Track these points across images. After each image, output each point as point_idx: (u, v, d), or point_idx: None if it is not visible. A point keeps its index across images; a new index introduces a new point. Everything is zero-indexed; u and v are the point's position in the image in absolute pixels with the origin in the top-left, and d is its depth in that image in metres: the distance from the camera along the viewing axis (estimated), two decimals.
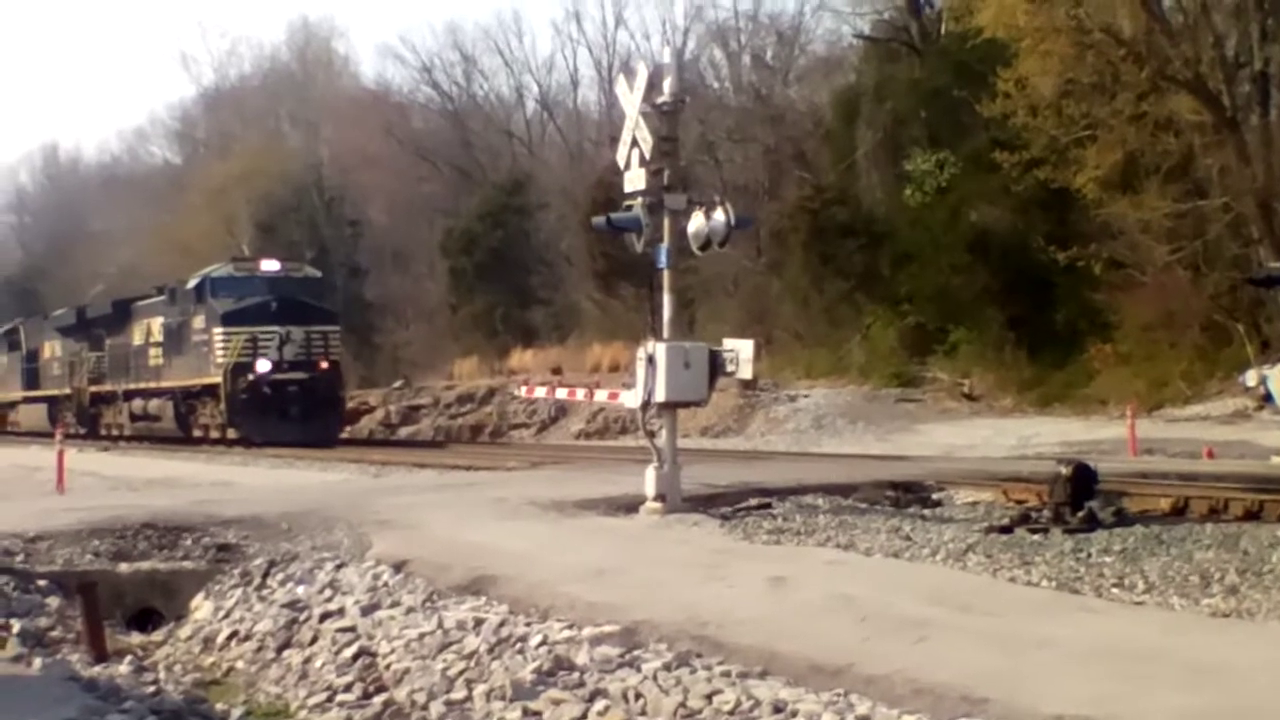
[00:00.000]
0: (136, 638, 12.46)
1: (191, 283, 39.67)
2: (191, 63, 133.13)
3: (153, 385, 41.51)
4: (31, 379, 52.58)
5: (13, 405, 54.39)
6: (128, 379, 43.42)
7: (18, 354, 54.45)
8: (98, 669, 10.38)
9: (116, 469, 28.35)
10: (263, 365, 35.96)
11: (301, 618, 11.71)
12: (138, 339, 42.91)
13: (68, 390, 48.34)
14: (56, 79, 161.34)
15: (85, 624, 11.85)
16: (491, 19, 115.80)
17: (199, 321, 38.04)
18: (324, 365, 37.22)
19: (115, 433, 44.36)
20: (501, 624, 10.07)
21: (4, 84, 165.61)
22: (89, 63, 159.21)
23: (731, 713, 7.57)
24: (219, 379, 36.45)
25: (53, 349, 50.98)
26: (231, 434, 36.28)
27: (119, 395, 43.95)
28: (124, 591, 13.06)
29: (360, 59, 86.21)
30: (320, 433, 35.04)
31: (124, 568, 13.50)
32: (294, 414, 35.63)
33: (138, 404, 42.58)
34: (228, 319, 36.70)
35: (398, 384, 53.44)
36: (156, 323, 41.23)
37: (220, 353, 36.40)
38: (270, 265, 39.93)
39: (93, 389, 46.25)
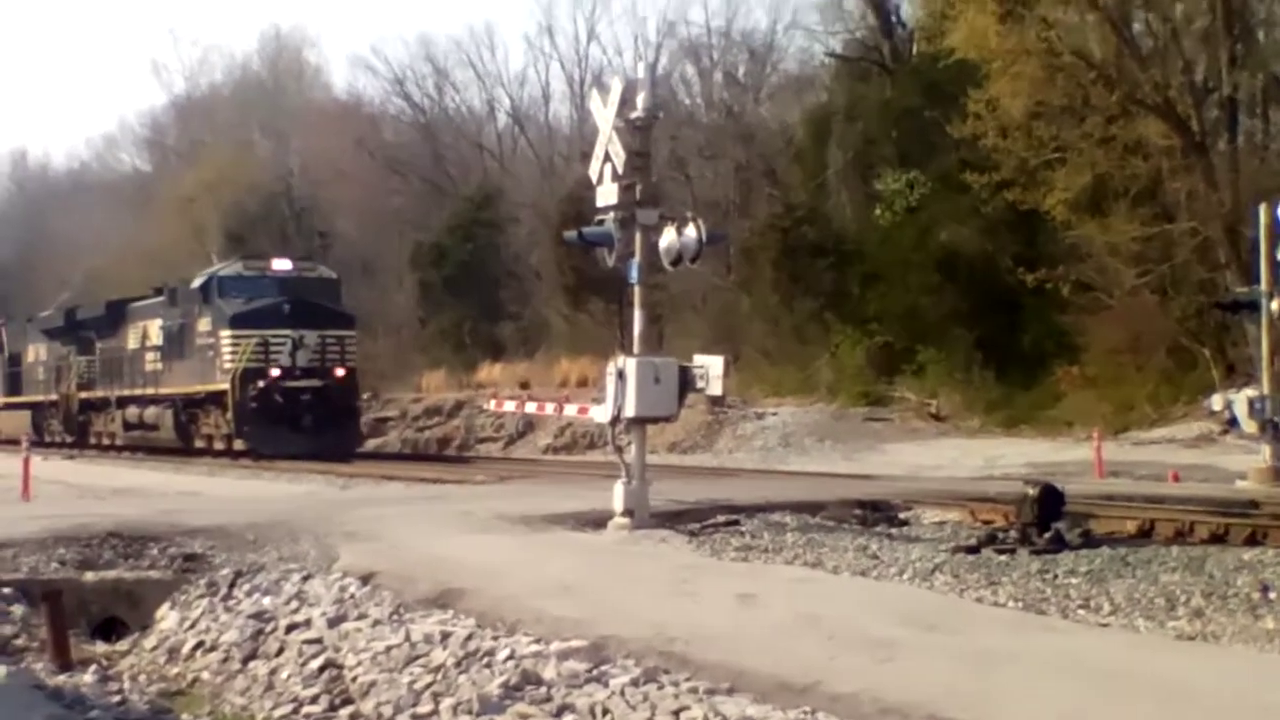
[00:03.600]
0: (101, 647, 12.40)
1: (196, 282, 37.78)
2: (163, 70, 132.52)
3: (150, 392, 39.85)
4: (13, 384, 51.42)
5: None
6: (121, 385, 41.79)
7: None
8: (63, 678, 10.34)
9: (83, 477, 28.20)
10: (274, 371, 34.39)
11: (268, 629, 11.67)
12: (133, 342, 41.39)
13: (54, 396, 47.23)
14: (25, 85, 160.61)
15: (50, 632, 11.79)
16: (464, 32, 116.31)
17: (204, 324, 36.43)
18: (340, 372, 35.62)
19: (107, 441, 42.80)
20: (469, 637, 10.05)
21: None
22: (59, 69, 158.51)
23: None
24: (226, 385, 34.72)
25: (37, 352, 49.65)
26: (238, 445, 34.55)
27: (111, 402, 42.40)
28: (89, 600, 13.00)
29: (332, 69, 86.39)
30: (335, 444, 33.61)
31: (89, 576, 13.44)
32: (307, 424, 34.05)
33: (132, 412, 40.89)
34: (237, 321, 35.10)
35: (365, 396, 53.05)
36: (154, 325, 39.70)
37: (228, 357, 34.78)
38: (283, 264, 38.24)
39: (82, 395, 44.89)
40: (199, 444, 37.16)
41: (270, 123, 78.69)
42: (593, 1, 75.76)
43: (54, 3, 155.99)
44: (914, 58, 44.44)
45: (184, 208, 71.60)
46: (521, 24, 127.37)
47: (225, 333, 35.02)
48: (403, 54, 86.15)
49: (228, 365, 34.70)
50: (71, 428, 45.45)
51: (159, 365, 39.23)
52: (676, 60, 61.35)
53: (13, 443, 36.24)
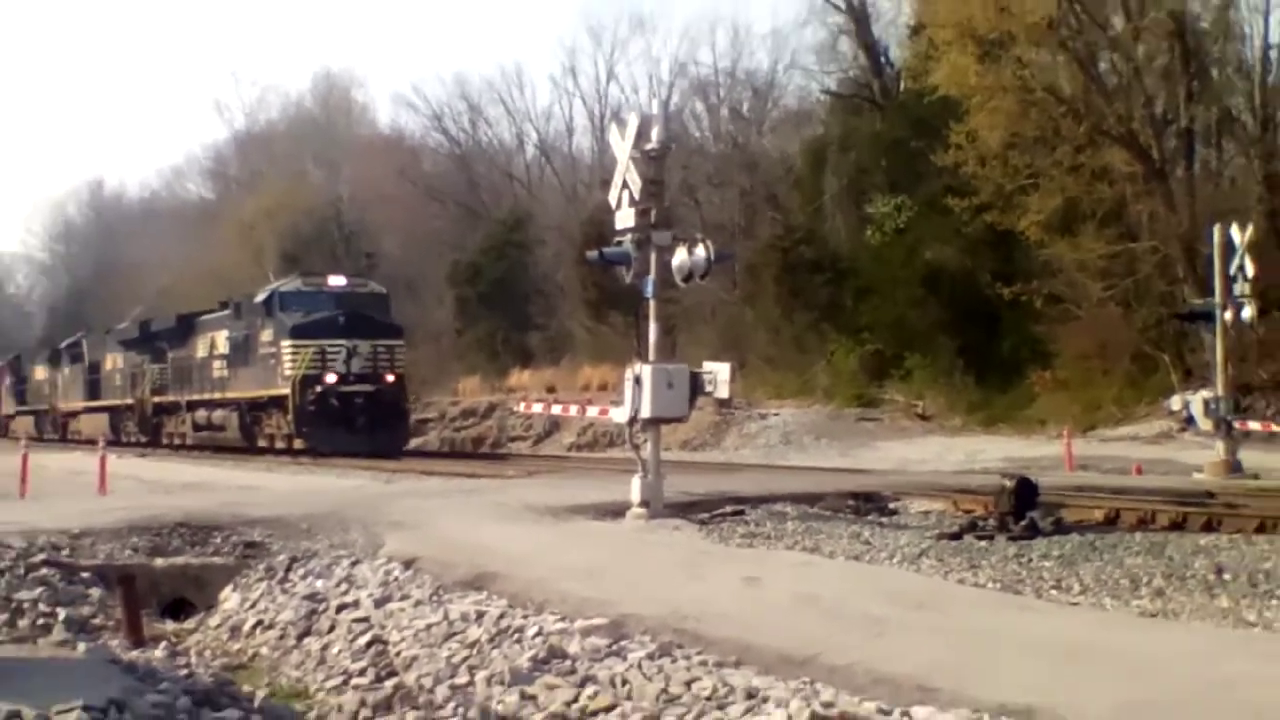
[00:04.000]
0: (171, 626, 12.40)
1: (259, 297, 37.73)
2: (225, 108, 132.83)
3: (217, 396, 39.75)
4: (93, 390, 51.28)
5: (74, 415, 53.28)
6: (191, 390, 41.76)
7: (80, 366, 53.15)
8: (136, 653, 10.33)
9: (155, 473, 28.19)
10: (330, 378, 34.17)
11: (320, 609, 11.68)
12: (201, 351, 41.27)
13: (130, 401, 47.20)
14: (102, 121, 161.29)
15: (124, 613, 11.80)
16: (495, 72, 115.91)
17: (267, 334, 36.22)
18: (390, 378, 35.41)
19: (178, 441, 42.76)
20: (501, 616, 10.04)
21: (54, 125, 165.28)
22: (132, 106, 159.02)
23: (709, 698, 7.55)
24: (287, 390, 34.61)
25: (114, 361, 49.54)
26: (298, 444, 34.52)
27: (182, 405, 42.37)
28: (159, 583, 13.01)
29: (377, 107, 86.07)
30: (386, 443, 33.43)
31: (160, 562, 13.46)
32: (360, 425, 33.82)
33: (201, 414, 40.85)
34: (296, 332, 34.90)
35: (411, 399, 52.95)
36: (221, 336, 39.50)
37: (289, 365, 34.61)
38: (338, 280, 38.15)
39: (155, 399, 44.85)
40: (261, 443, 37.02)
41: (322, 154, 78.79)
42: (611, 45, 75.54)
43: (128, 46, 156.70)
44: (901, 94, 44.42)
45: (244, 231, 71.72)
46: (547, 65, 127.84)
47: (286, 342, 34.85)
48: (440, 92, 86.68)
49: (288, 372, 34.57)
50: (145, 429, 45.42)
51: (225, 372, 39.08)
52: (687, 97, 61.43)
53: (92, 443, 36.30)
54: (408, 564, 12.38)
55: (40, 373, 59.58)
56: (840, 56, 50.80)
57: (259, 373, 36.58)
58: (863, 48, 48.71)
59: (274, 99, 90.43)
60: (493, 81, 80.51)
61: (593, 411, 24.44)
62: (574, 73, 74.78)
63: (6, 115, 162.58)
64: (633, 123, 16.20)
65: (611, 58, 69.29)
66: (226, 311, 40.17)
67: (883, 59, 48.15)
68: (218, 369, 39.70)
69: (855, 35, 49.06)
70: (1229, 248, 24.37)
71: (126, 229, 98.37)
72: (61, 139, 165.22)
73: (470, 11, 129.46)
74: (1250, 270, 24.34)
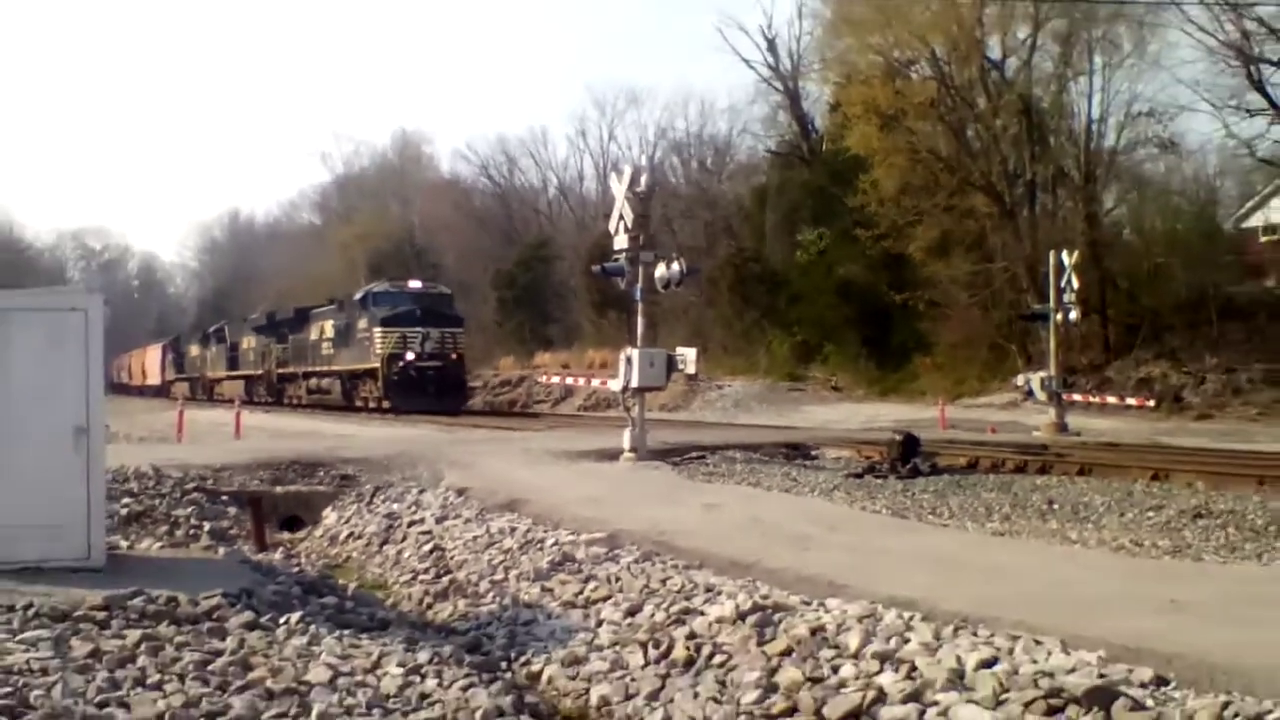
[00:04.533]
0: (286, 536, 12.43)
1: (357, 295, 37.34)
2: (328, 158, 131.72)
3: (324, 368, 39.26)
4: (233, 363, 50.84)
5: (218, 381, 52.86)
6: (305, 364, 41.17)
7: (223, 345, 52.69)
8: (261, 555, 10.33)
9: (276, 424, 28.14)
10: (409, 355, 33.66)
11: (395, 524, 11.70)
12: (313, 335, 40.65)
13: (260, 371, 46.74)
14: (239, 164, 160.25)
15: (253, 526, 11.81)
16: (527, 133, 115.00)
17: (363, 323, 35.60)
18: (454, 356, 34.88)
19: (295, 402, 42.09)
20: (528, 531, 10.05)
21: (203, 168, 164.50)
22: (261, 154, 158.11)
23: (678, 591, 7.56)
24: (377, 364, 34.13)
25: (249, 342, 49.05)
26: (385, 405, 33.93)
27: (299, 375, 41.85)
28: (278, 504, 13.04)
29: (440, 158, 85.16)
30: (450, 405, 32.91)
31: (278, 489, 13.47)
32: (431, 391, 33.27)
33: (313, 382, 40.48)
34: (385, 321, 34.33)
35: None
36: (328, 324, 38.85)
37: (379, 346, 34.06)
38: (415, 283, 37.66)
39: (279, 370, 44.34)
40: (357, 404, 36.58)
41: (399, 193, 78.21)
42: (611, 114, 74.54)
43: (260, 109, 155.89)
44: (823, 153, 44.16)
45: (342, 249, 71.33)
46: (564, 128, 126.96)
47: (377, 329, 34.39)
48: (486, 148, 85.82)
49: (378, 351, 34.16)
50: (271, 392, 45.14)
51: (331, 351, 38.68)
52: (667, 154, 61.18)
53: (230, 402, 36.24)
54: (460, 492, 12.39)
55: (193, 350, 59.28)
56: (779, 125, 50.59)
57: (356, 352, 36.21)
58: (795, 119, 48.61)
59: (364, 151, 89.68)
60: (524, 140, 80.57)
61: (596, 383, 24.53)
62: (584, 135, 74.55)
63: (169, 160, 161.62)
64: (627, 172, 16.20)
65: (611, 124, 68.79)
66: (332, 306, 39.78)
67: (809, 127, 47.95)
68: (325, 348, 39.31)
69: (789, 110, 49.02)
70: (1060, 268, 24.41)
71: (255, 245, 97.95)
72: (208, 178, 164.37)
73: (509, 88, 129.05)
74: (1075, 284, 24.45)
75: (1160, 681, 4.99)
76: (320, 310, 41.30)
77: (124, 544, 9.98)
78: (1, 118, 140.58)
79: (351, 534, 11.85)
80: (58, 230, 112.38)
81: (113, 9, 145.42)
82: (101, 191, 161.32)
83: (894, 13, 35.59)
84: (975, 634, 5.87)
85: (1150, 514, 12.03)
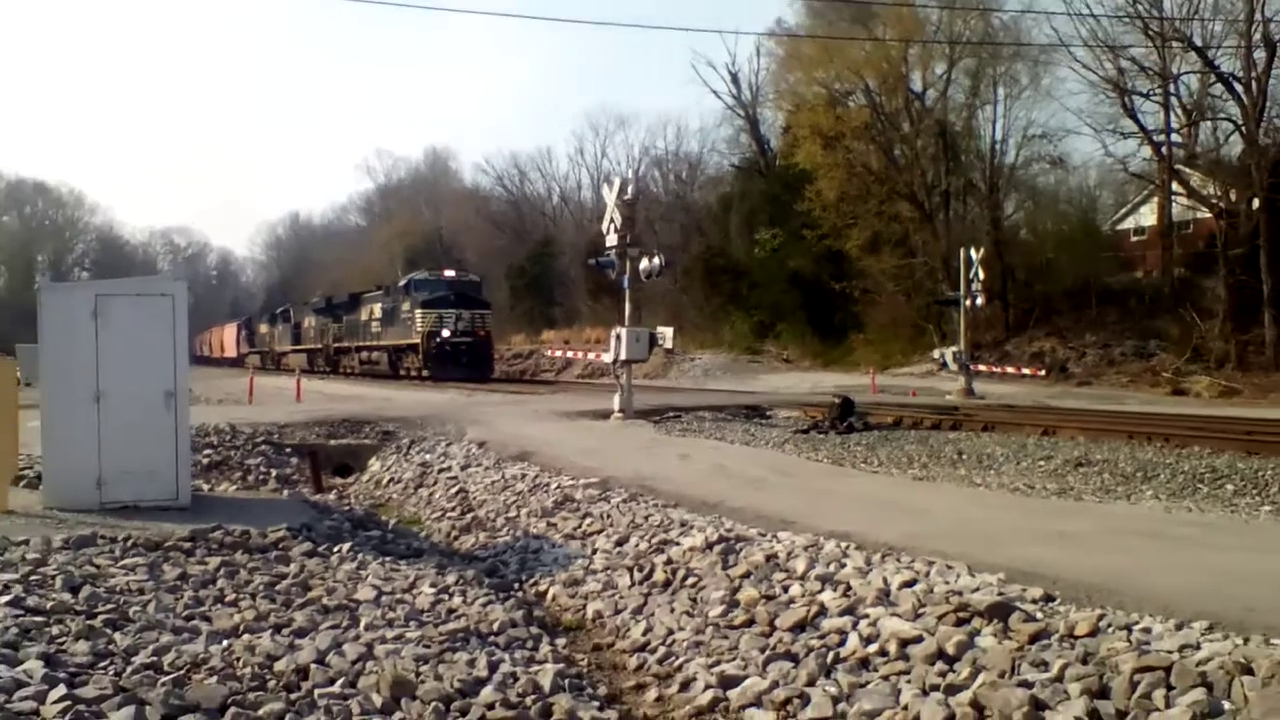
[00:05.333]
0: (338, 481, 12.38)
1: (401, 282, 37.03)
2: (372, 170, 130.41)
3: (374, 344, 38.68)
4: (296, 339, 50.22)
5: (284, 354, 52.18)
6: (358, 340, 40.60)
7: (288, 324, 52.21)
8: (318, 497, 10.33)
9: (331, 390, 28.02)
10: (445, 333, 33.27)
11: (427, 471, 11.67)
12: (364, 316, 40.15)
13: (319, 346, 46.22)
14: (299, 174, 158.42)
15: (311, 472, 11.78)
16: (534, 150, 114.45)
17: (405, 306, 35.12)
18: (482, 333, 34.40)
19: (348, 372, 41.65)
20: (536, 476, 10.04)
21: (268, 177, 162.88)
22: (317, 165, 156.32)
23: (659, 525, 7.57)
24: (418, 340, 33.73)
25: (310, 321, 48.46)
26: (425, 374, 33.57)
27: (352, 350, 41.33)
28: (332, 455, 12.99)
29: (464, 171, 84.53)
30: (480, 374, 32.71)
31: (332, 442, 13.41)
32: (464, 362, 32.92)
33: (364, 355, 39.94)
34: (425, 304, 33.89)
35: None
36: (377, 306, 38.38)
37: (419, 324, 33.64)
38: (450, 272, 37.20)
39: (335, 346, 43.78)
40: (401, 373, 36.34)
41: (430, 201, 77.59)
42: (604, 135, 74.83)
43: (315, 129, 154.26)
44: (777, 167, 44.05)
45: (383, 247, 70.92)
46: (566, 147, 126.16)
47: (418, 311, 34.06)
48: (501, 163, 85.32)
49: (419, 329, 33.85)
50: (329, 363, 44.85)
51: (379, 329, 38.33)
52: (649, 167, 61.06)
53: (293, 371, 36.04)
54: (480, 444, 12.37)
55: (263, 328, 58.85)
56: (741, 144, 50.40)
57: (400, 330, 35.92)
58: (754, 139, 48.54)
59: (401, 165, 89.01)
60: (533, 156, 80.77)
61: (591, 355, 24.49)
62: (581, 152, 75.01)
63: (242, 171, 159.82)
64: (616, 183, 16.12)
65: (603, 143, 69.03)
66: (380, 291, 39.55)
67: (766, 146, 47.78)
68: (374, 327, 39.02)
69: (750, 132, 48.96)
70: (969, 262, 24.44)
71: (313, 241, 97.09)
72: (273, 185, 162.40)
73: (521, 114, 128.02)
74: (981, 275, 24.49)
75: (1048, 598, 5.03)
76: (369, 294, 41.09)
77: (205, 487, 9.95)
78: (103, 136, 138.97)
79: (392, 479, 11.83)
80: (150, 229, 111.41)
81: (196, 45, 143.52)
82: (186, 197, 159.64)
83: (835, 52, 35.61)
84: (899, 560, 5.90)
85: (1041, 463, 12.10)
